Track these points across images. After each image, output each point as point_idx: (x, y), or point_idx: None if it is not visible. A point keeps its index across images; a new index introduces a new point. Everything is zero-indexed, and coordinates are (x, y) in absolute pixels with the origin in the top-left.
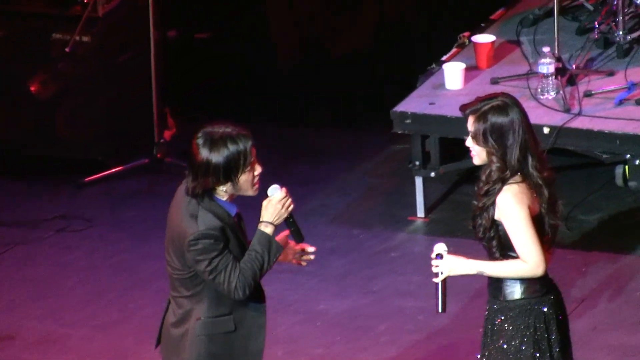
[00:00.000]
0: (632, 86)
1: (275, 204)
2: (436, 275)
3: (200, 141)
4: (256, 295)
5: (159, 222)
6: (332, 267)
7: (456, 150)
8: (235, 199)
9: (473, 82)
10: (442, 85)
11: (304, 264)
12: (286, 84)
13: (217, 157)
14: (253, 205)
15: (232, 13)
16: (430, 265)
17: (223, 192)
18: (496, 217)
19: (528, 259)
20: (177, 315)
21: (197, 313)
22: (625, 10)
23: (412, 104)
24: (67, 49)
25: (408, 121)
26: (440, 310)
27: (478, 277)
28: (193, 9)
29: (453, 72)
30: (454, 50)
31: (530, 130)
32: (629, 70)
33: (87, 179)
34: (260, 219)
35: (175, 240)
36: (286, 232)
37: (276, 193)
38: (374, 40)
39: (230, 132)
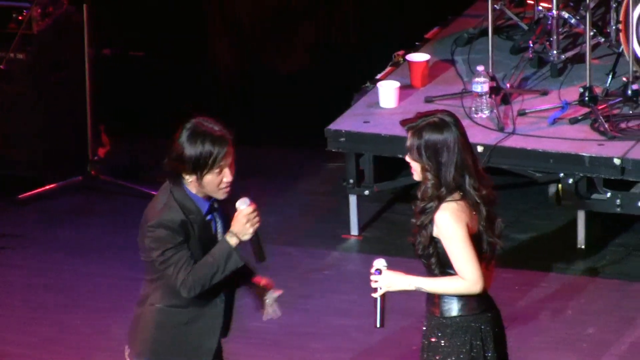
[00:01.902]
0: (565, 105)
1: (242, 217)
2: (375, 290)
3: (186, 128)
4: (218, 297)
5: (94, 240)
6: None
7: (390, 168)
8: (210, 198)
9: (407, 101)
10: (376, 103)
11: (264, 314)
12: (222, 102)
13: (190, 149)
14: None
15: (170, 31)
16: (365, 283)
17: (190, 182)
18: (434, 234)
19: (466, 276)
20: (140, 296)
21: (152, 299)
22: (560, 30)
23: (347, 122)
24: (1, 66)
25: (342, 139)
26: (378, 325)
27: (415, 293)
28: (128, 27)
29: (387, 91)
30: (388, 68)
31: (468, 149)
32: (563, 90)
33: (21, 196)
34: (230, 229)
35: (142, 222)
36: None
37: (243, 207)
38: (309, 59)
39: (214, 131)
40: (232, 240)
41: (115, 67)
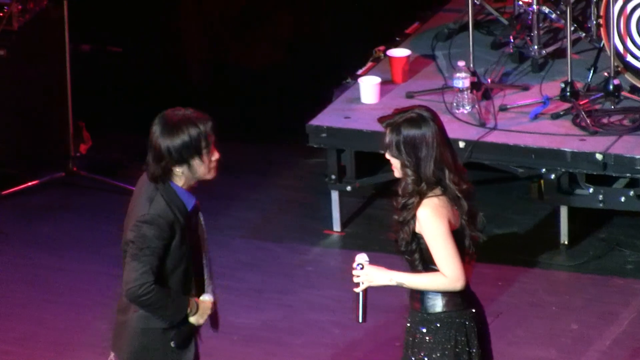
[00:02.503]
0: (547, 100)
1: (205, 306)
2: (357, 285)
3: (156, 125)
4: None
5: (74, 236)
6: (247, 281)
7: (372, 164)
8: (193, 188)
9: (388, 96)
10: (357, 99)
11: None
12: (198, 98)
13: (172, 140)
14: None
15: (145, 26)
16: (347, 278)
17: (180, 173)
18: (417, 230)
19: (447, 272)
20: (122, 302)
21: (135, 305)
22: (540, 25)
23: (328, 118)
24: None
25: (323, 135)
26: (360, 321)
27: (395, 290)
28: (106, 22)
29: (368, 86)
30: (369, 64)
31: (447, 144)
32: (544, 85)
33: (2, 193)
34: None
35: (128, 219)
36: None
37: (206, 297)
38: (286, 53)
39: (189, 115)
40: (193, 319)
41: (94, 63)
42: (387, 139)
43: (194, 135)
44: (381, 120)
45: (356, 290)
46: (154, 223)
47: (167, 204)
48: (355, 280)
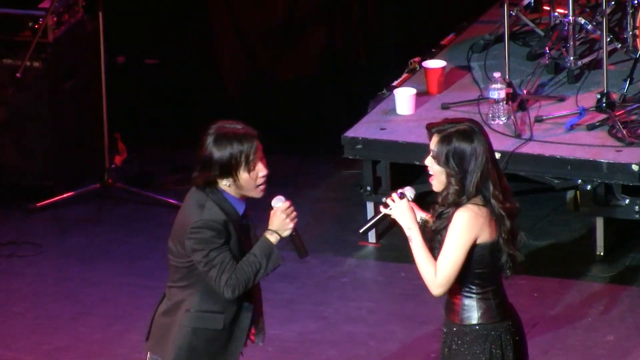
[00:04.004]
0: (582, 111)
1: (280, 213)
2: (386, 206)
3: (209, 135)
4: (248, 298)
5: (107, 248)
6: (282, 292)
7: (407, 175)
8: (244, 199)
9: (423, 108)
10: (392, 110)
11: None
12: (234, 110)
13: (220, 152)
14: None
15: (181, 39)
16: (382, 290)
17: (227, 186)
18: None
19: (439, 274)
20: (168, 305)
21: (187, 304)
22: (576, 36)
23: (363, 129)
24: (17, 75)
25: (359, 146)
26: (360, 231)
27: (430, 302)
28: (142, 35)
29: (404, 98)
30: (404, 75)
31: (493, 160)
32: (580, 96)
33: (37, 205)
34: (268, 228)
35: (179, 226)
36: None
37: (279, 204)
38: (320, 65)
39: (238, 130)
40: (273, 238)
41: (129, 75)
42: (436, 148)
43: (236, 151)
44: (430, 126)
45: (382, 208)
46: (209, 226)
47: (218, 207)
48: (389, 202)
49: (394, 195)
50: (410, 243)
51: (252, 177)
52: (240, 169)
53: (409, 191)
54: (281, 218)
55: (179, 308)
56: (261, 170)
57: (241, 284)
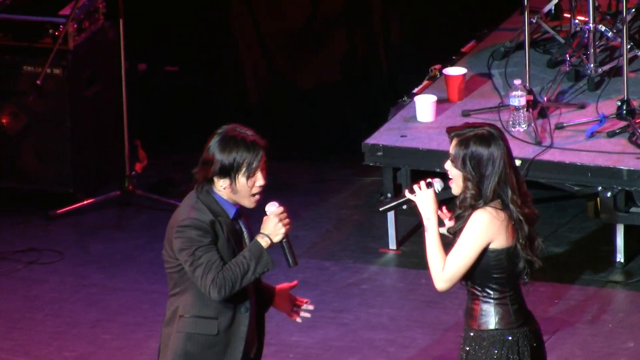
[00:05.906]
0: (603, 119)
1: (273, 218)
2: (412, 192)
3: (218, 134)
4: (243, 305)
5: (128, 255)
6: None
7: None
8: (237, 205)
9: (444, 115)
10: (413, 117)
11: (299, 320)
12: (255, 117)
13: (225, 153)
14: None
15: (202, 46)
16: (403, 297)
17: (222, 188)
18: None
19: (446, 270)
20: (167, 315)
21: (181, 310)
22: (596, 43)
23: (384, 136)
24: (38, 82)
25: (379, 153)
26: (380, 209)
27: (450, 308)
28: (163, 42)
29: (424, 105)
30: (425, 82)
31: (512, 166)
32: (600, 103)
33: (58, 211)
34: (260, 231)
35: (169, 228)
36: (292, 284)
37: (273, 209)
38: (341, 73)
39: (247, 136)
40: (263, 241)
41: (150, 82)
42: (454, 152)
43: (240, 157)
44: (450, 130)
45: (407, 193)
46: (195, 225)
47: (207, 208)
48: (415, 188)
49: (422, 183)
50: (426, 233)
51: (249, 185)
52: (240, 174)
53: (438, 183)
54: (274, 222)
55: (175, 316)
56: (259, 180)
57: (228, 283)
